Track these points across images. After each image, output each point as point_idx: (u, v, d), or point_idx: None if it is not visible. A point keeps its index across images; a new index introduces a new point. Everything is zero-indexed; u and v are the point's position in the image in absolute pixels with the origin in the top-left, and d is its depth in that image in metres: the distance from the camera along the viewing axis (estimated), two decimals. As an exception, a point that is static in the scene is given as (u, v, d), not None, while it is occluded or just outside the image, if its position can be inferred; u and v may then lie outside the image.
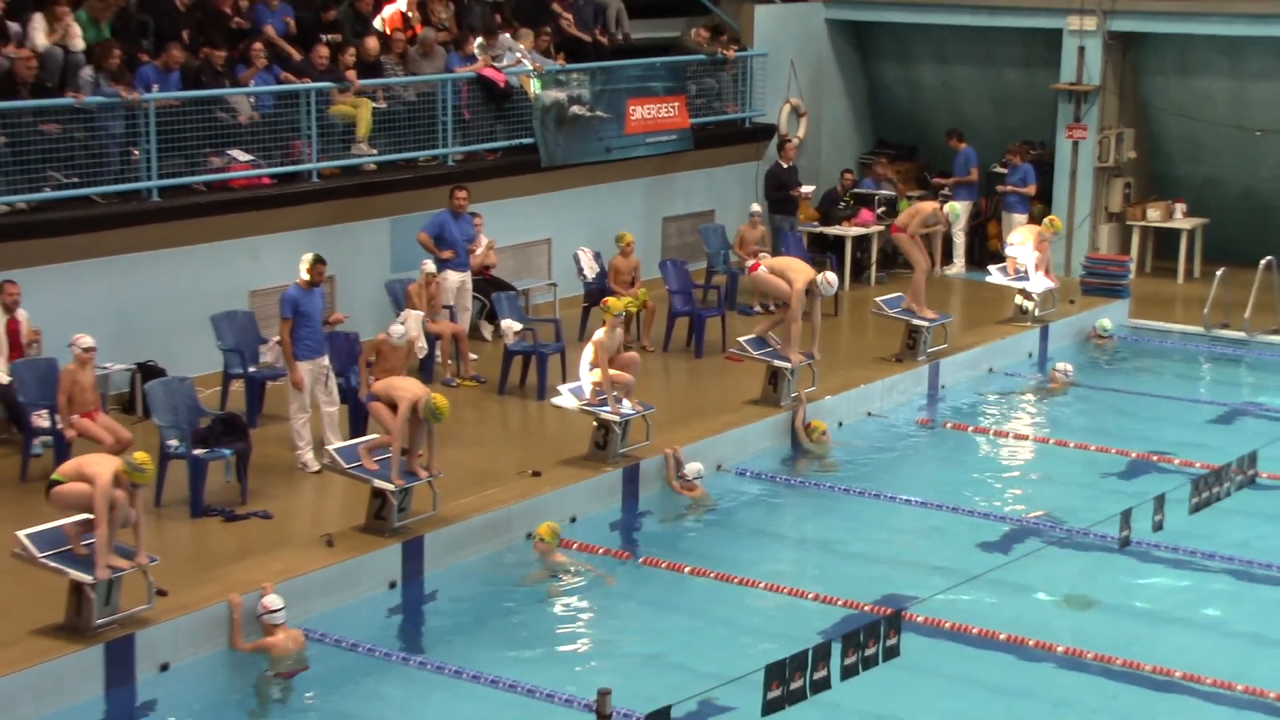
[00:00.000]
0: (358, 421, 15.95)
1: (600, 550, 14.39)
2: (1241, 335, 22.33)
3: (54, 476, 12.12)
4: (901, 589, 13.69)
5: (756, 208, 23.02)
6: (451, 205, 18.88)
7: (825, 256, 23.41)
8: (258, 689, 11.76)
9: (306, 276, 15.34)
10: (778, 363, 17.74)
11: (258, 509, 14.34)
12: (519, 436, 17.07)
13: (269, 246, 18.19)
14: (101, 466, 11.75)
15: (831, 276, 18.27)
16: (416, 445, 13.97)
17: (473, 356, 19.09)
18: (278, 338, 15.83)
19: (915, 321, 19.85)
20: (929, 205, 20.99)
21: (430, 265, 18.31)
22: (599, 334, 15.89)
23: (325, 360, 15.58)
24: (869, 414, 18.64)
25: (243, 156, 18.16)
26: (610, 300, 16.32)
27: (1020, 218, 24.45)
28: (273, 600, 12.02)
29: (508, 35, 21.41)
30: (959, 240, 25.30)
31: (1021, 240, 22.17)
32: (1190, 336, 22.65)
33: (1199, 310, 22.59)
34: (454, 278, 18.80)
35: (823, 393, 18.14)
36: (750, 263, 19.09)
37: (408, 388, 14.03)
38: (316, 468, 15.23)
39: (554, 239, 21.95)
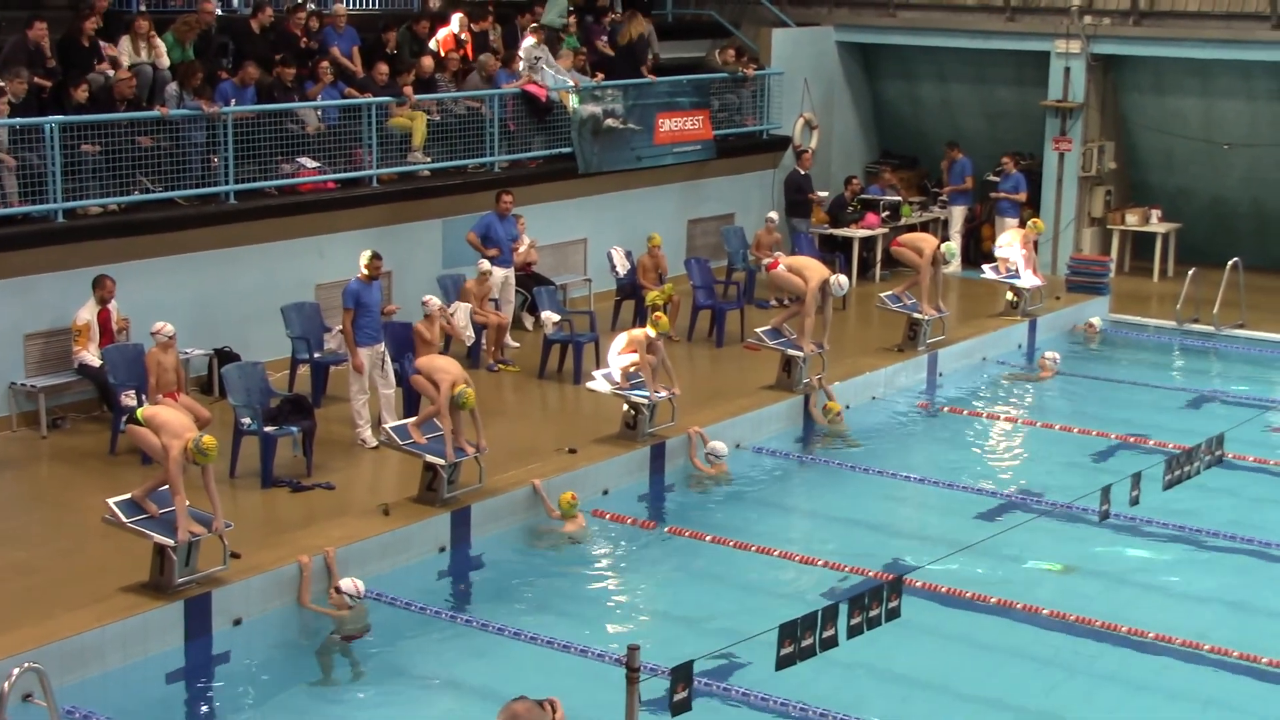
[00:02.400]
0: (412, 402, 15.93)
1: (629, 520, 14.36)
2: (1210, 329, 22.20)
3: (137, 414, 12.20)
4: (903, 556, 13.64)
5: (773, 215, 22.97)
6: (497, 208, 18.86)
7: (835, 256, 23.33)
8: (322, 646, 11.74)
9: (366, 271, 15.33)
10: (791, 351, 17.70)
11: (321, 481, 14.34)
12: (556, 417, 17.05)
13: (333, 245, 18.17)
14: (173, 439, 11.73)
15: (843, 279, 18.20)
16: (458, 425, 13.94)
17: (515, 344, 19.08)
18: (340, 326, 15.83)
19: (917, 316, 19.78)
20: (930, 245, 20.58)
21: (485, 264, 18.35)
22: (639, 331, 15.90)
23: (382, 347, 15.57)
24: (874, 398, 18.56)
25: (310, 164, 18.16)
26: (656, 313, 16.19)
27: (1012, 222, 24.33)
28: (348, 585, 11.90)
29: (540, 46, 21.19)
30: (956, 241, 25.16)
31: (1009, 242, 22.10)
32: (1164, 330, 22.52)
33: (1172, 306, 22.44)
34: (499, 273, 18.77)
35: (831, 379, 18.06)
36: (768, 261, 19.03)
37: (448, 369, 14.01)
38: (374, 444, 15.23)
39: (589, 239, 21.91)
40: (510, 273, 19.08)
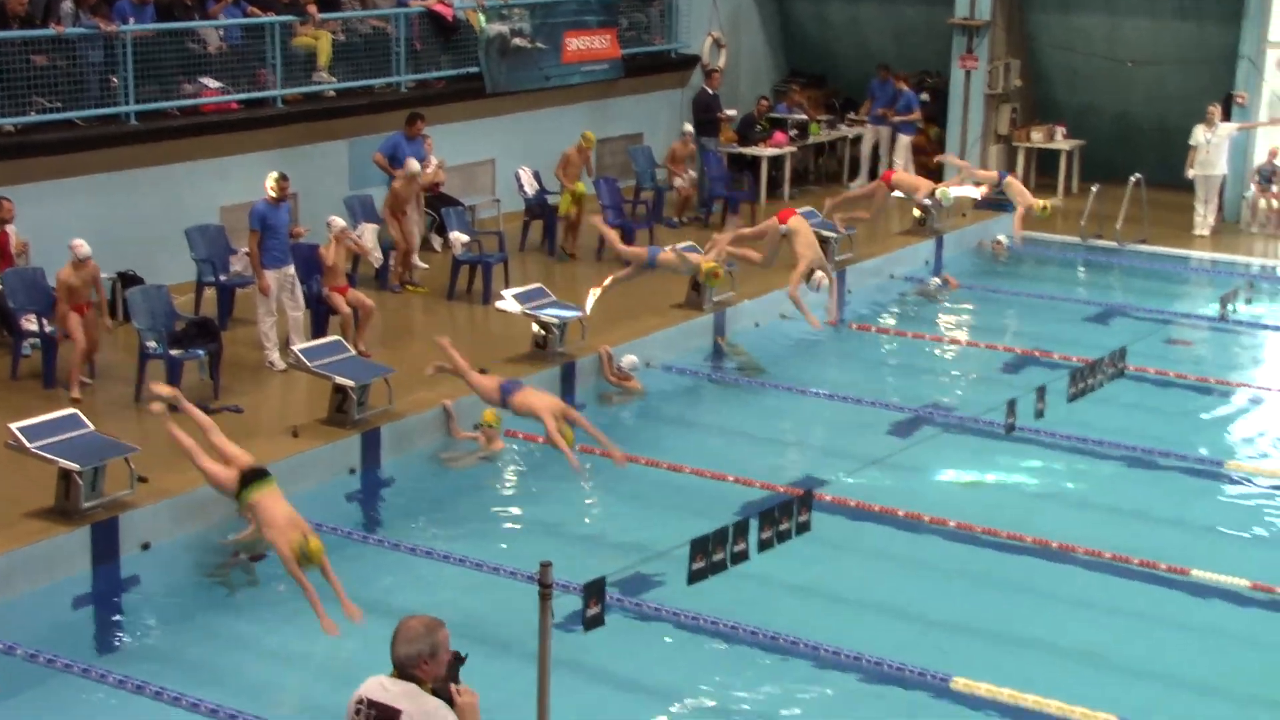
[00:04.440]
0: (320, 324, 15.79)
1: (541, 439, 14.32)
2: (1113, 244, 22.42)
3: (243, 496, 10.98)
4: (812, 471, 13.72)
5: (689, 127, 22.90)
6: (408, 131, 18.62)
7: (744, 175, 23.34)
8: (231, 568, 11.64)
9: (272, 193, 15.12)
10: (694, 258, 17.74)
11: (229, 404, 14.17)
12: (466, 337, 16.88)
13: (239, 166, 17.89)
14: (278, 535, 10.52)
15: (822, 277, 17.67)
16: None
17: (423, 265, 18.92)
18: (247, 249, 15.62)
19: (825, 233, 19.81)
20: (926, 187, 20.78)
21: (415, 165, 18.13)
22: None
23: (290, 269, 15.38)
24: (783, 316, 18.58)
25: (213, 84, 17.84)
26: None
27: (907, 139, 24.55)
28: None
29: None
30: (900, 163, 25.04)
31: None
32: (1069, 246, 22.71)
33: (1077, 222, 22.64)
34: (406, 194, 18.60)
35: (741, 298, 18.09)
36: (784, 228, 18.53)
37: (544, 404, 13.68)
38: (283, 367, 15.08)
39: (497, 159, 21.73)
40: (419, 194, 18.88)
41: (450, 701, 6.34)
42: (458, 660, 6.50)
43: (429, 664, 6.29)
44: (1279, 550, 12.56)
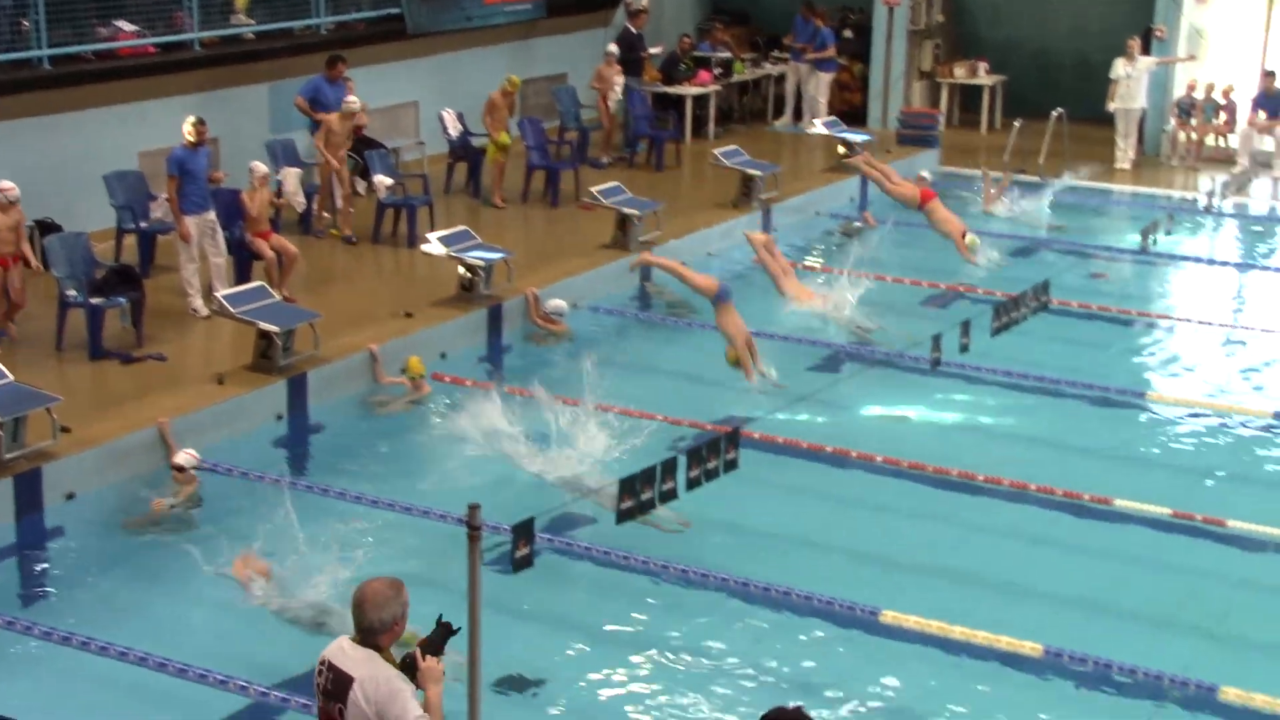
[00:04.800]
0: (243, 270, 15.64)
1: (468, 382, 14.29)
2: (1036, 179, 22.54)
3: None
4: (740, 409, 13.73)
5: (613, 48, 22.69)
6: (329, 74, 18.38)
7: (669, 114, 23.26)
8: (156, 518, 11.54)
9: (191, 137, 14.90)
10: (625, 209, 17.68)
11: (153, 351, 14.02)
12: (392, 281, 16.85)
13: (156, 111, 17.62)
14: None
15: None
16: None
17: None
18: (166, 195, 15.41)
19: (750, 171, 19.84)
20: (957, 229, 18.15)
21: (355, 101, 17.86)
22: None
23: (211, 215, 15.19)
24: (709, 254, 18.59)
25: (128, 27, 17.54)
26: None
27: (827, 76, 24.55)
28: (184, 459, 11.70)
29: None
30: (822, 101, 25.03)
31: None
32: (993, 181, 22.77)
33: (1000, 157, 22.73)
34: (327, 139, 18.40)
35: (668, 236, 18.07)
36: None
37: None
38: (206, 313, 14.92)
39: (420, 101, 21.54)
40: (342, 137, 18.69)
41: (414, 668, 6.31)
42: (448, 631, 6.47)
43: (398, 626, 6.26)
44: (1199, 478, 12.73)
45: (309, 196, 17.89)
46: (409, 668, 6.32)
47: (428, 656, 6.35)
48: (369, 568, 10.49)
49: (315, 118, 18.11)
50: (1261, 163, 23.33)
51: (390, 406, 13.80)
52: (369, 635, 6.25)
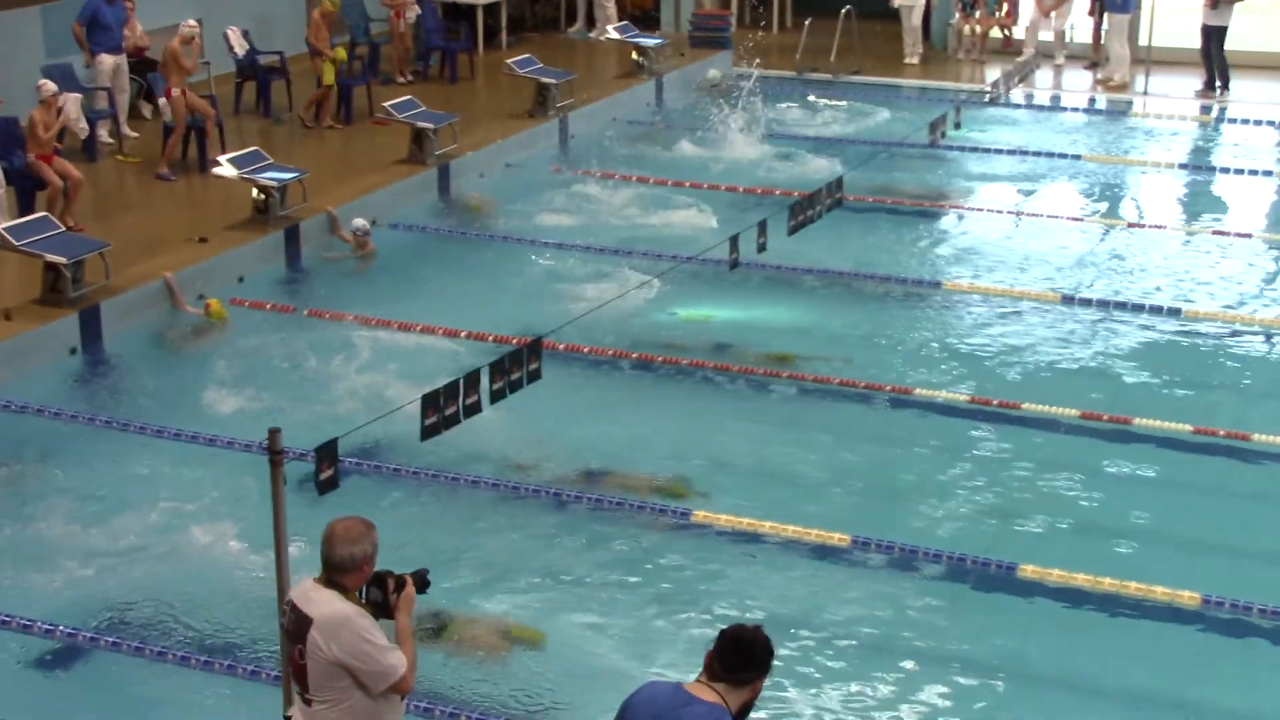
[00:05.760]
0: (26, 201, 15.08)
1: (268, 306, 14.01)
2: (828, 77, 22.74)
3: None
4: (543, 320, 13.65)
5: None
6: (104, -7, 17.75)
7: (460, 24, 22.93)
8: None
9: (-38, 66, 14.32)
10: (420, 124, 17.43)
11: (-66, 290, 13.53)
12: (184, 206, 16.38)
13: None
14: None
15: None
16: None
17: (133, 134, 18.20)
18: (-62, 126, 14.79)
19: (543, 81, 19.68)
20: None
21: (191, 27, 17.37)
22: None
23: (-12, 146, 14.63)
24: (507, 165, 18.43)
25: (-115, -48, 16.73)
26: None
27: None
28: None
29: None
30: (611, 7, 24.85)
31: None
32: (785, 80, 22.94)
33: (792, 57, 22.86)
34: (109, 61, 17.79)
35: (465, 149, 17.86)
36: None
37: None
38: (-11, 248, 14.38)
39: (204, 19, 20.86)
40: (122, 60, 18.08)
41: (385, 589, 6.13)
42: (425, 582, 6.30)
43: (367, 568, 6.05)
44: (990, 363, 13.01)
45: (91, 123, 17.28)
46: (380, 582, 6.13)
47: (408, 582, 6.19)
48: (172, 503, 10.33)
49: (86, 49, 17.54)
50: (1044, 53, 23.80)
51: (187, 334, 13.43)
52: (336, 572, 6.01)
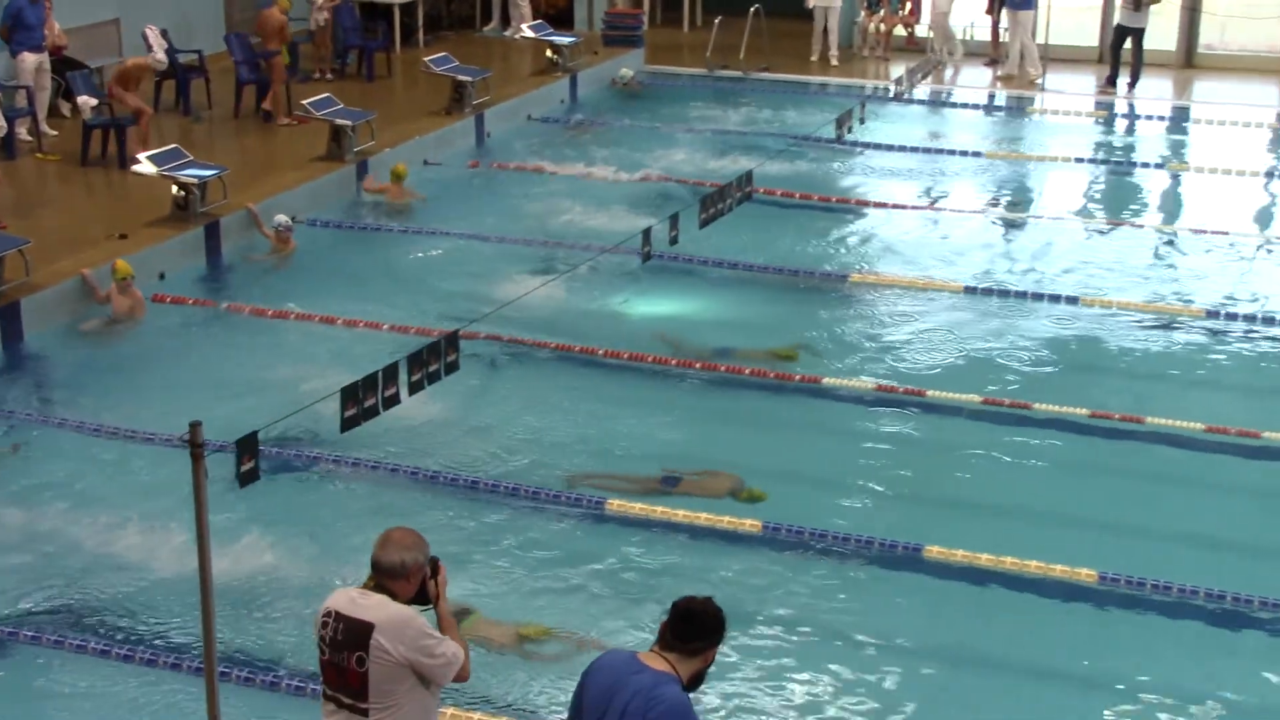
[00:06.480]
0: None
1: (189, 301, 13.88)
2: (738, 74, 22.82)
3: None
4: (461, 312, 13.61)
5: None
6: (25, -7, 17.48)
7: (378, 24, 22.80)
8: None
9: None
10: (339, 121, 17.33)
11: None
12: (104, 203, 16.19)
13: None
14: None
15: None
16: None
17: (53, 133, 17.96)
18: None
19: (463, 78, 19.59)
20: None
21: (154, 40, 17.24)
22: None
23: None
24: (426, 162, 18.35)
25: None
26: None
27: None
28: None
29: None
30: (525, 6, 24.78)
31: None
32: (697, 77, 23.01)
33: (703, 54, 22.93)
34: (31, 59, 17.54)
35: (382, 145, 17.77)
36: None
37: None
38: (-93, 244, 14.14)
39: (122, 18, 20.64)
40: (44, 58, 17.82)
41: (432, 596, 6.01)
42: (436, 570, 6.11)
43: (415, 577, 5.94)
44: (896, 352, 13.12)
45: (10, 121, 17.03)
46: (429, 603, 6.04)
47: (441, 567, 6.08)
48: (94, 498, 10.22)
49: (9, 42, 17.32)
50: (947, 50, 24.01)
51: (104, 330, 13.24)
52: (385, 577, 5.89)
